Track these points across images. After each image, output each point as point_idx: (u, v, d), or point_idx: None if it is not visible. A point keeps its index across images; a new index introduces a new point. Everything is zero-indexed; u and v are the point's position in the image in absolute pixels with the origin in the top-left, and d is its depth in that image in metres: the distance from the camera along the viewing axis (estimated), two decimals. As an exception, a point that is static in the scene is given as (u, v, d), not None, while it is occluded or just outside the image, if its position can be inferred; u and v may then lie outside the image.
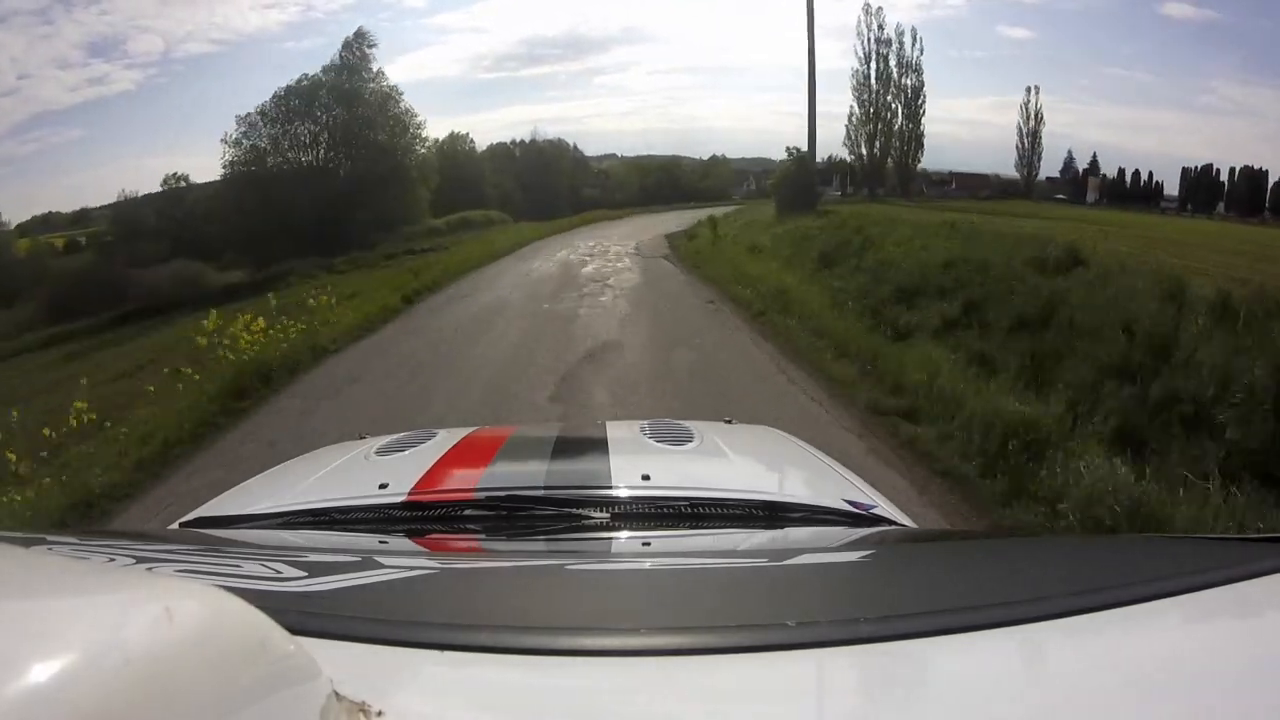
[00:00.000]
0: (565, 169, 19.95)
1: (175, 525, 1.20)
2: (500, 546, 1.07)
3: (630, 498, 1.10)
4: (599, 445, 1.36)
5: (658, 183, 20.90)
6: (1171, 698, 0.47)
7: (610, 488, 1.12)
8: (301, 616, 0.52)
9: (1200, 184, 18.00)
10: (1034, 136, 19.62)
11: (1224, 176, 17.53)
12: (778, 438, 1.69)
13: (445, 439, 1.45)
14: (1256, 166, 16.81)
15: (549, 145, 19.80)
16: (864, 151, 20.47)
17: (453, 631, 0.54)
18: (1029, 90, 19.23)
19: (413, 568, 0.89)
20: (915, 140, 20.28)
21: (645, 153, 21.44)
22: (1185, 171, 17.78)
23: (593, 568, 0.88)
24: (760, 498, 1.12)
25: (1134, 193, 18.50)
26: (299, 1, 16.86)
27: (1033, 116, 19.69)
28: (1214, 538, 2.19)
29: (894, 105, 19.88)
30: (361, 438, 1.61)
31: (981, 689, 0.49)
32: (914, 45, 19.19)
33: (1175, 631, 0.57)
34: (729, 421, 1.71)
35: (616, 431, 1.46)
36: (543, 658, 0.51)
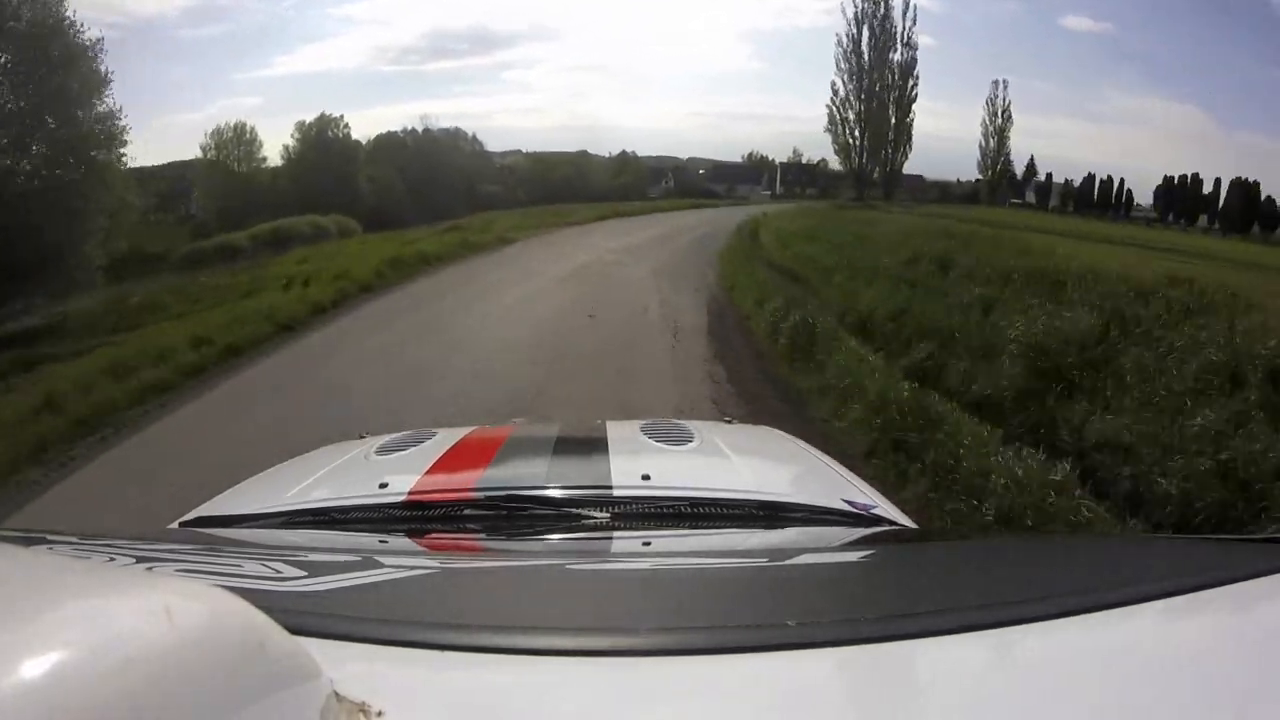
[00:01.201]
0: (462, 163, 18.05)
1: (175, 525, 1.19)
2: (500, 546, 1.07)
3: (630, 497, 1.10)
4: (599, 445, 1.35)
5: (565, 179, 19.32)
6: (1172, 698, 0.47)
7: (610, 487, 1.12)
8: (301, 616, 0.52)
9: (1184, 195, 17.69)
10: (1001, 135, 18.73)
11: (1207, 188, 17.20)
12: (777, 438, 1.70)
13: (445, 438, 1.45)
14: (1247, 178, 16.63)
15: (444, 135, 17.82)
16: (851, 139, 18.81)
17: (453, 631, 0.54)
18: (996, 84, 18.39)
19: (413, 568, 0.89)
20: (905, 130, 18.80)
21: (551, 149, 20.03)
22: (1168, 181, 17.50)
23: (593, 568, 0.88)
24: (760, 498, 1.12)
25: (1102, 202, 18.32)
26: (198, -13, 15.58)
27: (999, 113, 18.73)
28: (1214, 538, 2.19)
29: (890, 80, 18.02)
30: (361, 437, 1.61)
31: (981, 689, 0.49)
32: (906, 13, 17.40)
33: (1175, 631, 0.57)
34: (729, 421, 1.71)
35: (616, 431, 1.46)
36: (543, 658, 0.51)
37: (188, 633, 0.35)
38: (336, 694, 0.41)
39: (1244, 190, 16.76)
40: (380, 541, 1.03)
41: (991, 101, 18.43)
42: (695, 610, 0.65)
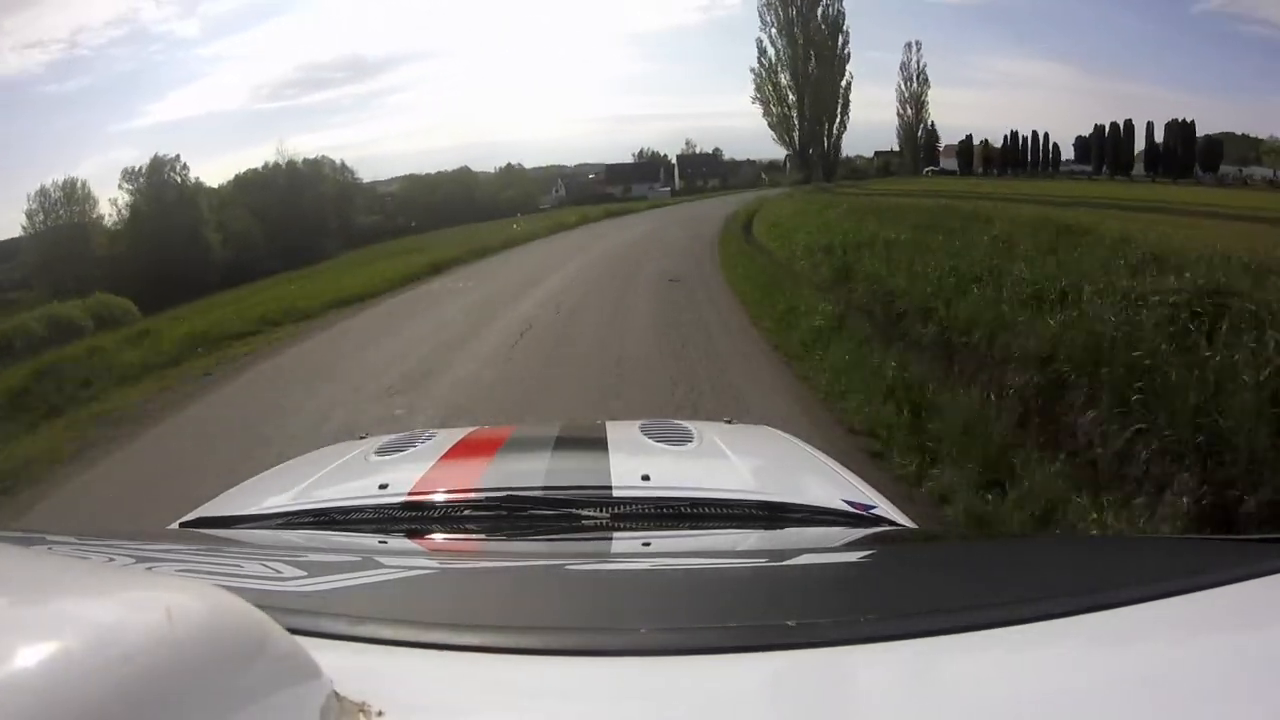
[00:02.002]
0: (330, 194, 16.36)
1: (175, 525, 1.19)
2: (500, 547, 1.07)
3: (630, 498, 1.10)
4: (598, 445, 1.36)
5: (449, 199, 18.10)
6: (1172, 698, 0.47)
7: (610, 488, 1.12)
8: (301, 616, 0.52)
9: (1116, 143, 17.25)
10: (918, 102, 18.01)
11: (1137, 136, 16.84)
12: (777, 438, 1.70)
13: (445, 439, 1.45)
14: (1183, 119, 16.34)
15: (308, 167, 16.07)
16: (788, 108, 17.30)
17: (453, 631, 0.54)
18: (909, 47, 17.61)
19: (413, 568, 0.89)
20: (844, 97, 17.59)
21: (441, 170, 19.06)
22: (1097, 130, 17.12)
23: (593, 568, 0.88)
24: (760, 498, 1.12)
25: (1030, 160, 18.05)
26: (62, 39, 14.45)
27: (915, 77, 17.92)
28: (1214, 538, 2.19)
29: (821, 34, 16.57)
30: (362, 438, 1.61)
31: (981, 689, 0.49)
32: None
33: (1175, 631, 0.57)
34: (729, 421, 1.71)
35: (616, 431, 1.46)
36: (543, 658, 0.51)
37: (188, 633, 0.35)
38: (336, 694, 0.41)
39: (1182, 131, 16.42)
40: (380, 542, 1.03)
41: (906, 66, 17.82)
42: (695, 610, 0.65)
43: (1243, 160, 16.46)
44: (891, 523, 1.12)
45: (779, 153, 20.24)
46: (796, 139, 18.74)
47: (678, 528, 1.08)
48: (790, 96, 18.10)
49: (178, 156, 13.50)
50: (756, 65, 17.86)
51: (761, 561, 0.92)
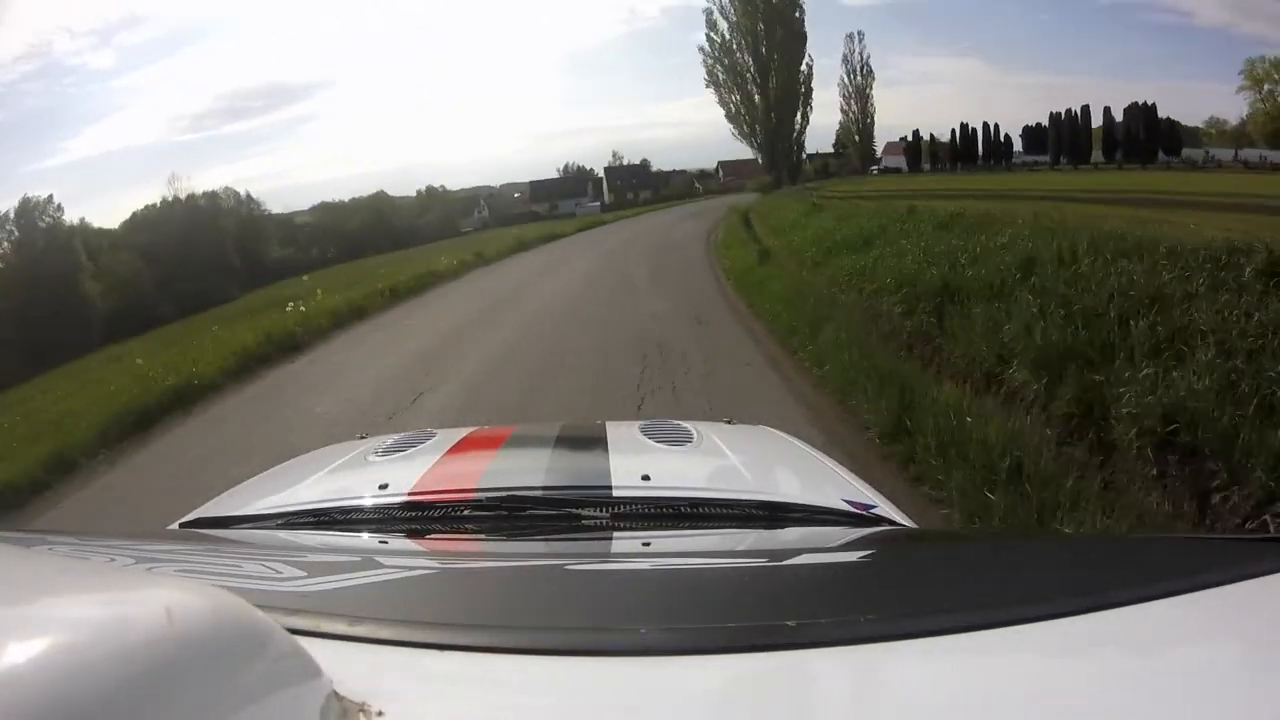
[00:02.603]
0: (233, 229, 14.81)
1: (175, 525, 1.19)
2: (500, 547, 1.07)
3: (630, 498, 1.10)
4: (598, 445, 1.36)
5: (365, 227, 16.87)
6: (1171, 698, 0.47)
7: (610, 488, 1.12)
8: (301, 616, 0.52)
9: (1073, 132, 16.84)
10: (863, 96, 17.30)
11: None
12: (777, 438, 1.70)
13: (445, 439, 1.45)
14: (1144, 102, 16.12)
15: (207, 201, 14.48)
16: (748, 96, 15.80)
17: (453, 631, 0.54)
18: (851, 38, 16.85)
19: (413, 568, 0.89)
20: (805, 86, 16.44)
21: (360, 196, 17.96)
22: (1054, 119, 16.84)
23: (593, 568, 0.88)
24: (760, 498, 1.12)
25: (984, 153, 17.87)
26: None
27: (859, 69, 17.18)
28: (1214, 538, 2.19)
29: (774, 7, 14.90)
30: (362, 438, 1.61)
31: (981, 689, 0.49)
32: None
33: (1175, 631, 0.57)
34: (729, 421, 1.71)
35: (616, 431, 1.46)
36: (543, 657, 0.52)
37: (188, 633, 0.35)
38: (336, 694, 0.41)
39: (1144, 115, 16.13)
40: (380, 542, 1.03)
41: (849, 58, 16.92)
42: (695, 610, 0.65)
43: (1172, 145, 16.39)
44: (891, 522, 1.12)
45: (709, 162, 19.68)
46: (760, 132, 17.12)
47: (678, 528, 1.08)
48: (752, 79, 16.20)
49: (50, 198, 11.87)
50: (705, 44, 16.22)
51: (761, 561, 0.92)
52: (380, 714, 0.42)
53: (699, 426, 1.50)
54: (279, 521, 1.13)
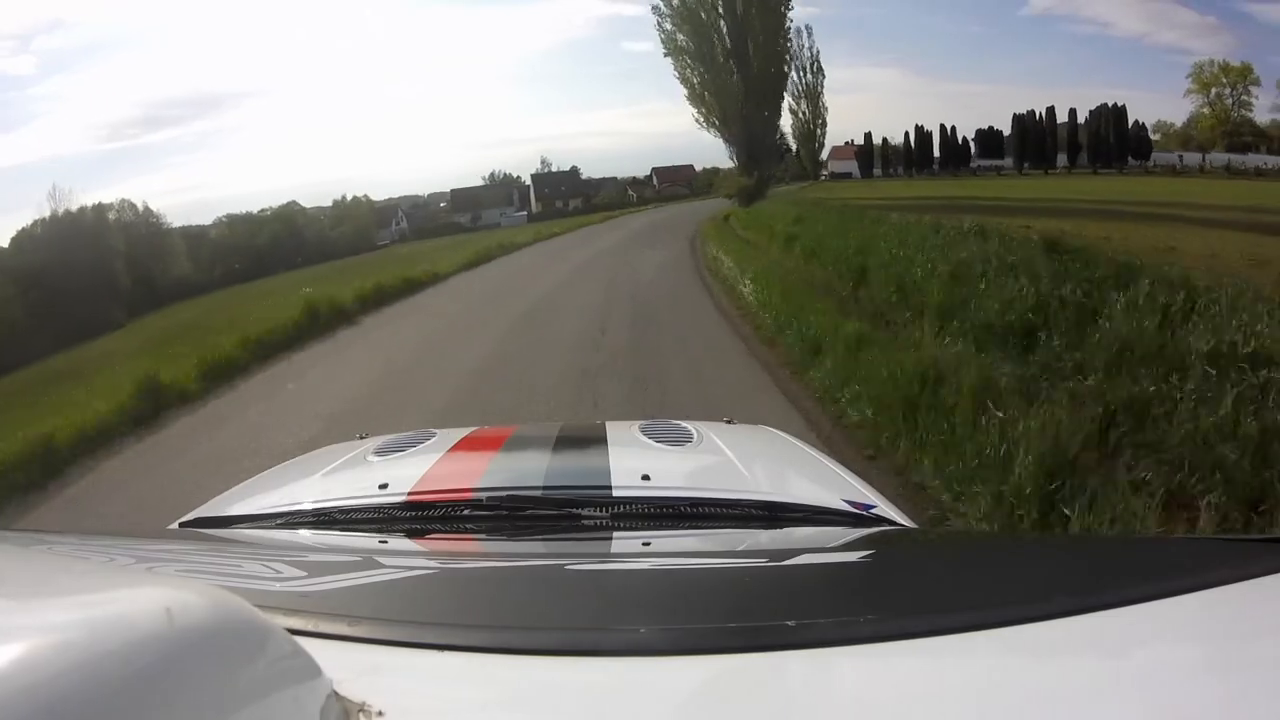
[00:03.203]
0: (124, 247, 12.95)
1: (175, 525, 1.19)
2: (500, 547, 1.07)
3: (630, 498, 1.10)
4: (598, 445, 1.36)
5: (274, 240, 15.47)
6: (1172, 698, 0.47)
7: (610, 488, 1.12)
8: (301, 616, 0.52)
9: (1039, 135, 16.35)
10: (814, 95, 16.48)
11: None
12: (777, 438, 1.70)
13: (445, 439, 1.45)
14: (1114, 103, 15.81)
15: (95, 217, 12.56)
16: (719, 82, 13.38)
17: (453, 631, 0.54)
18: (799, 33, 15.88)
19: (413, 568, 0.89)
20: (787, 73, 15.01)
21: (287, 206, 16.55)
22: (1018, 121, 16.51)
23: (593, 568, 0.88)
24: (760, 498, 1.12)
25: (942, 157, 17.49)
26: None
27: (809, 67, 16.30)
28: (1214, 538, 2.19)
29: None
30: (361, 438, 1.61)
31: (981, 689, 0.49)
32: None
33: (1175, 631, 0.57)
34: (729, 421, 1.71)
35: (616, 431, 1.46)
36: (543, 657, 0.52)
37: (188, 632, 0.35)
38: (336, 694, 0.41)
39: (1114, 117, 15.72)
40: (380, 542, 1.03)
41: (798, 55, 15.91)
42: (695, 610, 0.65)
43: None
44: (891, 522, 1.12)
45: (642, 169, 18.54)
46: (733, 120, 14.81)
47: (678, 527, 1.08)
48: (723, 49, 13.84)
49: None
50: (661, 3, 13.61)
51: (761, 561, 0.92)
52: (380, 714, 0.42)
53: (699, 426, 1.50)
54: (279, 521, 1.13)
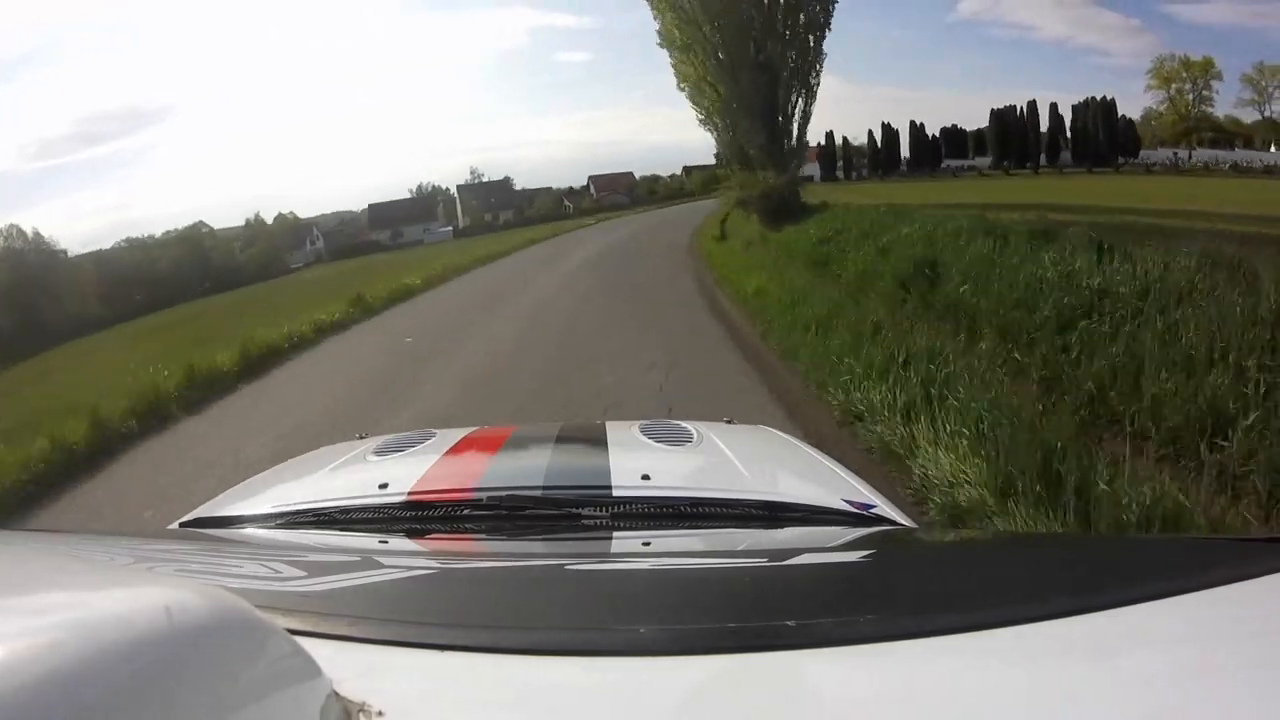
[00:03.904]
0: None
1: (175, 525, 1.19)
2: (500, 547, 1.07)
3: (630, 498, 1.10)
4: (598, 445, 1.36)
5: (176, 265, 13.90)
6: (1172, 698, 0.47)
7: (610, 488, 1.12)
8: (301, 616, 0.52)
9: (1021, 131, 15.47)
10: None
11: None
12: (777, 438, 1.70)
13: (444, 439, 1.45)
14: (1103, 97, 15.19)
15: None
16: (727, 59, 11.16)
17: (453, 631, 0.54)
18: None
19: (413, 568, 0.89)
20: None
21: (223, 225, 15.03)
22: (996, 117, 16.09)
23: (593, 568, 0.88)
24: (760, 498, 1.12)
25: (913, 157, 17.05)
26: None
27: None
28: (1214, 538, 2.19)
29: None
30: (361, 437, 1.61)
31: (981, 689, 0.49)
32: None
33: (1175, 631, 0.57)
34: (729, 421, 1.71)
35: (616, 431, 1.46)
36: (543, 657, 0.52)
37: (188, 633, 0.35)
38: (336, 694, 0.41)
39: (1104, 112, 14.87)
40: (380, 542, 1.03)
41: None
42: (695, 610, 0.65)
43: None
44: (891, 522, 1.12)
45: (579, 178, 16.94)
46: (745, 111, 12.44)
47: (678, 527, 1.08)
48: (748, 20, 11.49)
49: None
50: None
51: (761, 561, 0.92)
52: (380, 714, 0.42)
53: (699, 426, 1.50)
54: (279, 521, 1.13)
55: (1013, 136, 16.03)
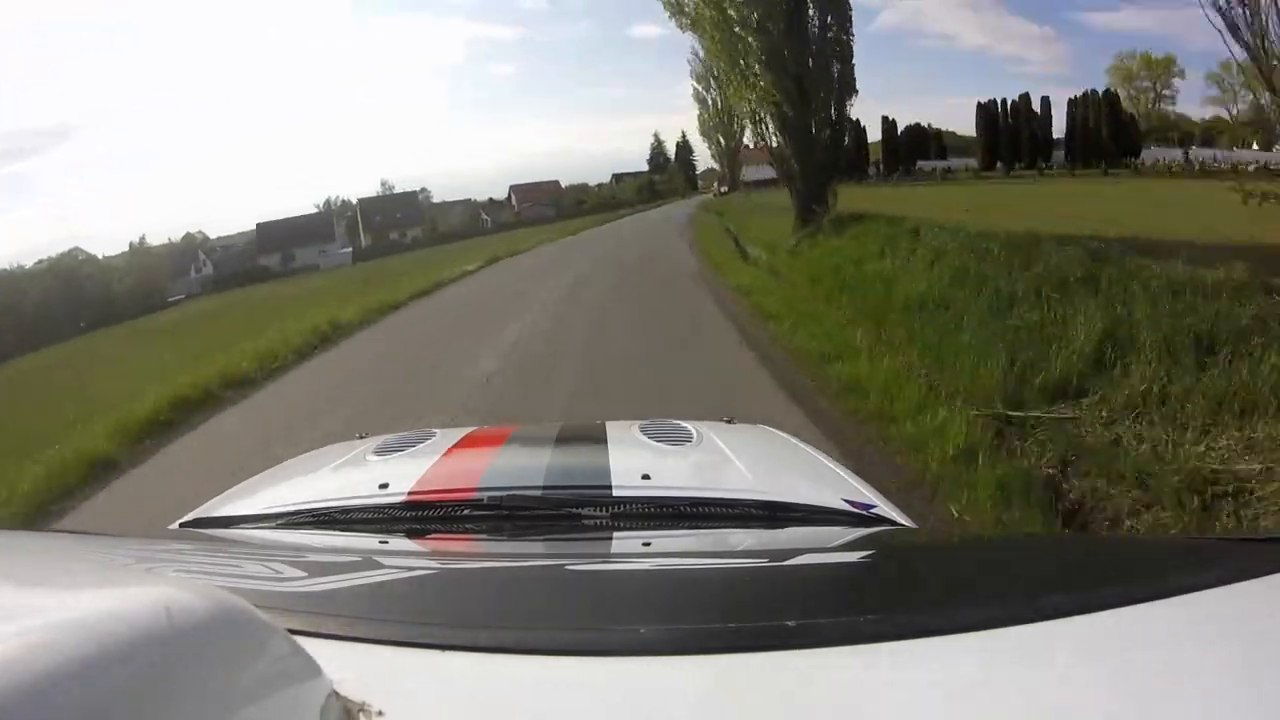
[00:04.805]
0: None
1: (175, 525, 1.19)
2: (500, 547, 1.07)
3: (630, 497, 1.10)
4: (598, 444, 1.36)
5: (45, 297, 11.86)
6: (1171, 698, 0.47)
7: (610, 487, 1.12)
8: (301, 616, 0.52)
9: (1014, 127, 14.60)
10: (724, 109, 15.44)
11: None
12: (777, 437, 1.70)
13: (444, 438, 1.45)
14: (1104, 90, 14.50)
15: None
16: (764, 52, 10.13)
17: (453, 631, 0.54)
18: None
19: (413, 568, 0.89)
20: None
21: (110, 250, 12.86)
22: (983, 111, 15.43)
23: (593, 568, 0.88)
24: (760, 498, 1.12)
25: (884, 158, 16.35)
26: None
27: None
28: (1214, 538, 2.18)
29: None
30: (361, 437, 1.61)
31: (981, 689, 0.49)
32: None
33: (1175, 631, 0.57)
34: (729, 421, 1.71)
35: (616, 431, 1.46)
36: (543, 657, 0.52)
37: (187, 633, 0.35)
38: (336, 694, 0.41)
39: (1109, 107, 13.96)
40: (380, 542, 1.03)
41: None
42: (695, 610, 0.65)
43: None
44: (891, 522, 1.12)
45: (499, 190, 15.05)
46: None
47: (678, 527, 1.08)
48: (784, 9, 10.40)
49: None
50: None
51: (761, 561, 0.92)
52: (380, 714, 0.42)
53: (699, 426, 1.50)
54: (279, 521, 1.13)
55: (1004, 135, 15.07)
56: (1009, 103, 14.85)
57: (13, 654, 0.30)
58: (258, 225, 15.13)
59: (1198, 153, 16.00)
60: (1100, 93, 14.97)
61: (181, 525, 1.18)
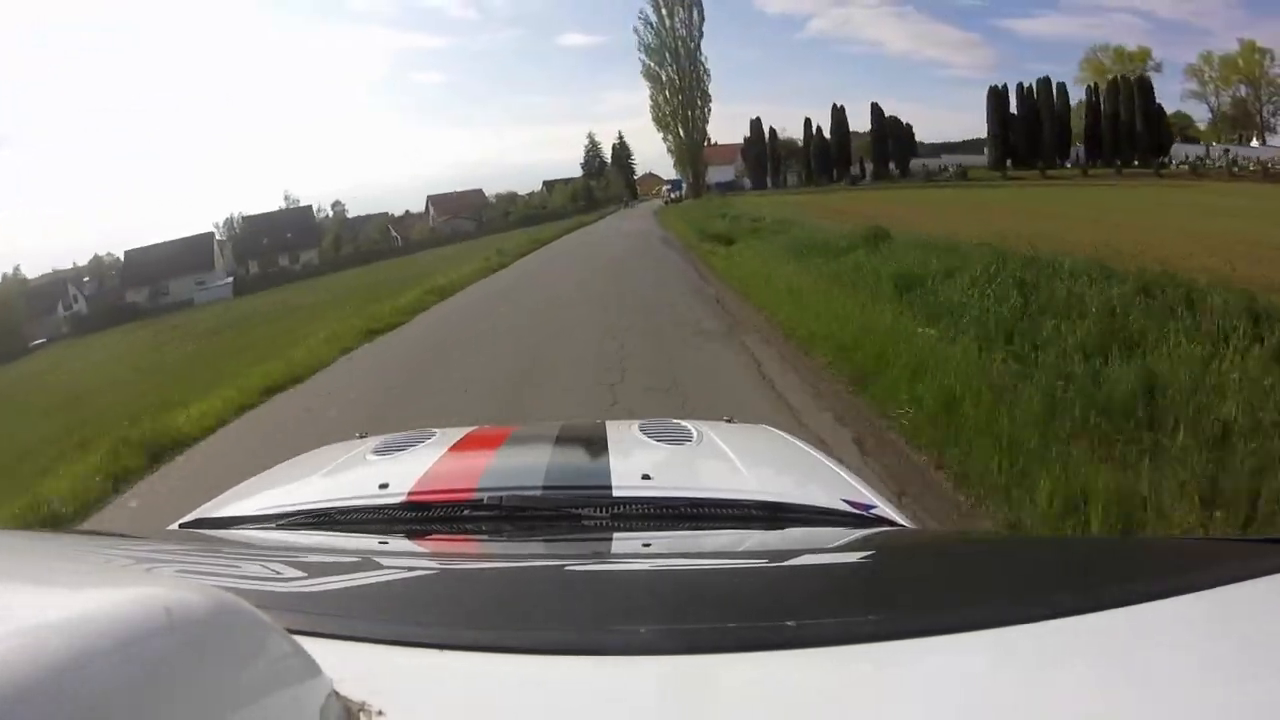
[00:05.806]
0: None
1: (175, 525, 1.19)
2: (500, 547, 1.07)
3: (630, 498, 1.10)
4: (598, 444, 1.36)
5: None
6: (1171, 698, 0.47)
7: (610, 487, 1.12)
8: (301, 616, 0.52)
9: (1028, 123, 14.15)
10: (693, 96, 16.15)
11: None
12: (777, 437, 1.70)
13: (444, 438, 1.45)
14: (1138, 74, 14.30)
15: None
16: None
17: (453, 631, 0.54)
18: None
19: (413, 568, 0.89)
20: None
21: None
22: (994, 93, 15.19)
23: (593, 568, 0.88)
24: (760, 498, 1.12)
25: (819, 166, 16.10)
26: None
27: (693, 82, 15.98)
28: (1214, 538, 2.19)
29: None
30: (361, 437, 1.61)
31: (981, 689, 0.49)
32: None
33: (1175, 631, 0.57)
34: (729, 420, 1.71)
35: (616, 431, 1.46)
36: (543, 657, 0.52)
37: (188, 633, 0.35)
38: (336, 694, 0.41)
39: (1142, 95, 12.84)
40: (380, 542, 1.03)
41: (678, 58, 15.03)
42: (695, 610, 0.65)
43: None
44: (891, 522, 1.12)
45: (416, 203, 13.86)
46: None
47: (678, 528, 1.08)
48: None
49: None
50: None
51: (761, 561, 0.92)
52: (380, 714, 0.42)
53: (699, 426, 1.50)
54: (279, 521, 1.13)
55: (1020, 130, 14.20)
56: (1028, 86, 13.52)
57: (11, 654, 0.30)
58: (125, 254, 13.06)
59: (1215, 150, 15.70)
60: (1130, 79, 13.52)
61: (181, 525, 1.18)
